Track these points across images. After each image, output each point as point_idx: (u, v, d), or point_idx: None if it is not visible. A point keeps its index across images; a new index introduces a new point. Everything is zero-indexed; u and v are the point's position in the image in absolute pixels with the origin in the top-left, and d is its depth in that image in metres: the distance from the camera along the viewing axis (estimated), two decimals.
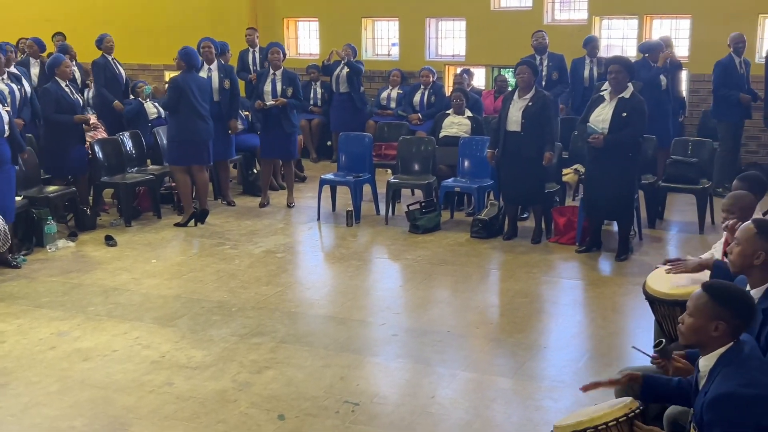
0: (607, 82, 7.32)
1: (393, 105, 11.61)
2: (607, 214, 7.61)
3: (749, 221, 3.53)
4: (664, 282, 4.10)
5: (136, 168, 9.09)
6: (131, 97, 10.16)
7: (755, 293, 3.40)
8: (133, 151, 9.16)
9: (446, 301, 6.58)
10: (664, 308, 4.01)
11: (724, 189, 8.54)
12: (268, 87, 9.13)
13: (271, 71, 9.19)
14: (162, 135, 9.30)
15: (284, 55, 9.37)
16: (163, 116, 9.78)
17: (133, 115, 9.83)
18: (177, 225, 8.56)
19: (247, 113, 10.05)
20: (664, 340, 3.35)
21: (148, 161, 9.51)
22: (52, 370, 5.22)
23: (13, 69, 8.67)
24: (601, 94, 7.30)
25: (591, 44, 10.19)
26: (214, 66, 9.15)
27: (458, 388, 4.98)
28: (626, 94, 7.10)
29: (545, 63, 9.93)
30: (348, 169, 9.09)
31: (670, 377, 3.31)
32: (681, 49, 10.93)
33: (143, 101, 10.00)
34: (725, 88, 9.58)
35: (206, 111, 8.59)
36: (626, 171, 7.22)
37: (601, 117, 7.13)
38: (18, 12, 14.07)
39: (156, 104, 10.06)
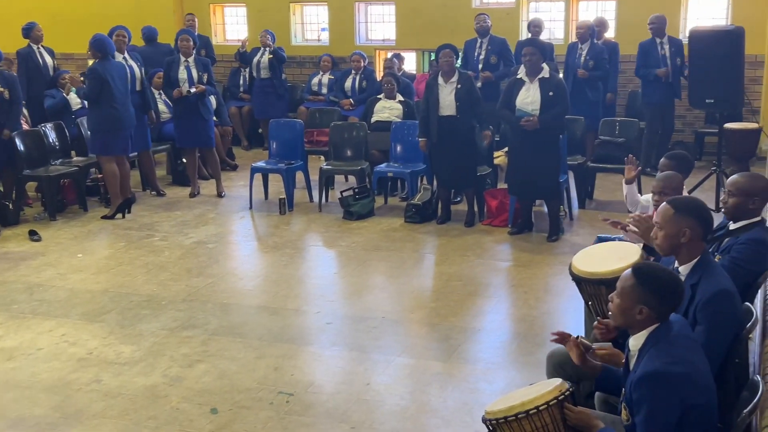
0: (522, 66, 7.37)
1: (324, 91, 11.51)
2: (537, 194, 7.68)
3: (664, 203, 3.57)
4: (589, 261, 4.13)
5: (60, 160, 8.83)
6: (57, 87, 9.84)
7: (683, 270, 3.44)
8: (57, 143, 8.90)
9: (381, 287, 6.56)
10: (590, 287, 4.04)
11: (652, 169, 8.70)
12: (183, 74, 8.95)
13: (183, 59, 9.01)
14: (86, 125, 9.05)
15: (195, 42, 9.22)
16: (86, 106, 9.49)
17: (56, 108, 9.53)
18: (104, 217, 8.36)
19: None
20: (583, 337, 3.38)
21: (73, 153, 9.25)
22: None
23: None
24: (518, 77, 7.35)
25: (536, 26, 10.10)
26: (127, 55, 8.89)
27: (393, 374, 4.97)
28: (545, 74, 7.18)
29: (485, 46, 9.93)
30: (280, 157, 8.99)
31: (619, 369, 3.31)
32: (609, 31, 11.07)
33: (66, 95, 9.69)
34: (644, 69, 9.75)
35: (127, 99, 8.40)
36: (553, 151, 7.32)
37: (528, 99, 7.19)
38: None
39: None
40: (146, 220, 8.36)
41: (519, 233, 7.60)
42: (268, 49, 11.34)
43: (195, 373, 4.96)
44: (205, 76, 9.02)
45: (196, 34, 10.85)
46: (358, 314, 5.89)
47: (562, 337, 3.37)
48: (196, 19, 11.52)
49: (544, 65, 7.25)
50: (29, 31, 9.79)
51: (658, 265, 3.23)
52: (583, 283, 4.08)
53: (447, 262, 7.00)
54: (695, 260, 3.46)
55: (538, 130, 7.14)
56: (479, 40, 9.91)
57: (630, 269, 3.07)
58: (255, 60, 11.46)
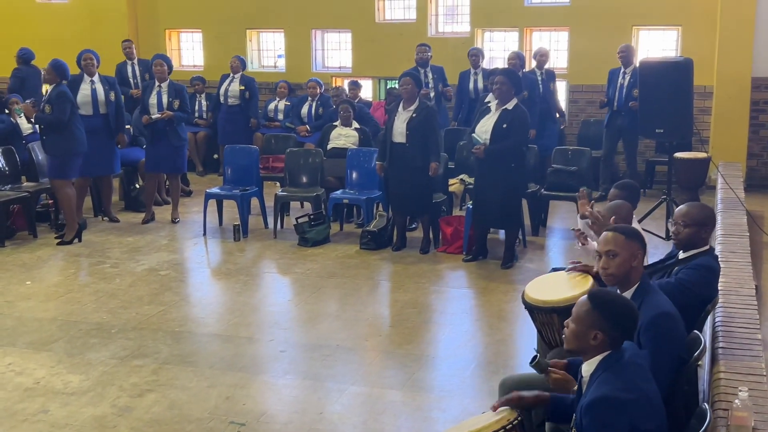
0: (491, 94, 7.45)
1: (280, 117, 11.50)
2: (495, 222, 7.74)
3: (611, 232, 3.61)
4: (542, 290, 4.16)
5: (9, 185, 8.66)
6: (6, 112, 9.68)
7: (625, 296, 3.48)
8: (6, 168, 8.73)
9: (336, 314, 6.52)
10: (543, 316, 4.06)
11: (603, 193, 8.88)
12: (153, 99, 8.90)
13: (156, 83, 8.96)
14: (38, 150, 8.91)
15: (170, 67, 9.16)
16: (37, 131, 9.33)
17: (6, 133, 9.36)
18: (62, 243, 8.21)
19: (128, 126, 9.73)
20: (537, 355, 3.38)
21: (23, 178, 9.08)
22: None
23: None
24: (488, 105, 7.43)
25: (474, 56, 10.32)
26: (96, 78, 8.80)
27: (347, 403, 4.93)
28: (509, 105, 7.24)
29: (429, 76, 10.06)
30: (235, 183, 8.93)
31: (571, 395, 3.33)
32: (560, 61, 11.28)
33: (14, 121, 9.54)
34: (609, 95, 9.98)
35: (81, 122, 8.36)
36: (511, 180, 7.36)
37: (484, 128, 7.27)
38: None
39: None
40: (97, 246, 8.22)
41: (474, 260, 7.63)
42: (238, 76, 11.29)
43: (145, 403, 4.87)
44: (177, 103, 8.94)
45: (135, 59, 10.87)
46: (312, 342, 5.85)
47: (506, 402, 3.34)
48: (134, 46, 11.44)
49: (515, 98, 7.28)
50: None
51: (612, 292, 3.27)
52: (536, 311, 4.11)
53: (402, 289, 7.00)
54: (635, 286, 3.53)
55: (489, 160, 7.20)
56: (422, 71, 10.03)
57: (586, 295, 3.10)
58: (224, 87, 11.38)
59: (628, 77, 9.86)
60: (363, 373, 5.40)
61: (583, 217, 5.50)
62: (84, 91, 8.59)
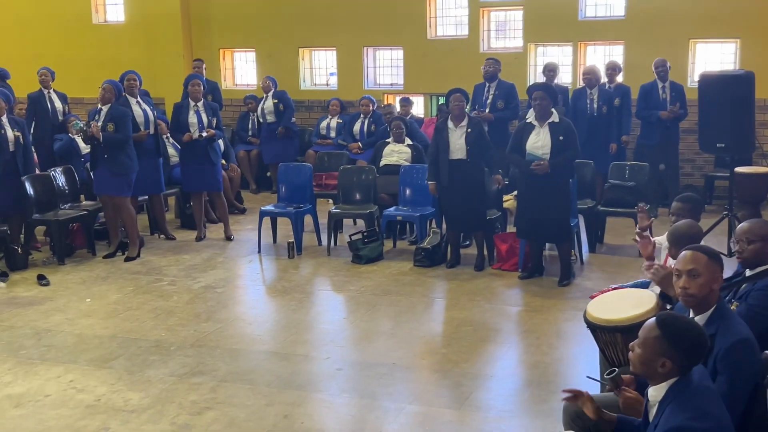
0: (531, 110, 7.40)
1: (333, 134, 11.57)
2: (547, 238, 7.65)
3: (693, 251, 3.50)
4: (604, 308, 4.09)
5: (69, 204, 8.83)
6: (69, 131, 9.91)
7: (699, 319, 3.39)
8: (66, 187, 8.90)
9: (391, 332, 6.48)
10: (605, 335, 3.99)
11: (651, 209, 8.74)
12: (193, 119, 8.99)
13: (192, 103, 9.06)
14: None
15: (204, 87, 9.32)
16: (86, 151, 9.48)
17: (64, 152, 9.57)
18: (129, 260, 8.42)
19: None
20: (617, 369, 3.31)
21: (82, 197, 9.25)
22: None
23: None
24: (528, 121, 7.37)
25: (549, 71, 10.16)
26: (140, 100, 8.89)
27: (405, 422, 4.89)
28: (555, 118, 7.20)
29: (492, 91, 9.97)
30: (288, 200, 8.98)
31: (640, 421, 3.25)
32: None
33: (72, 136, 9.74)
34: (645, 111, 9.83)
35: None
36: (563, 195, 7.31)
37: (539, 143, 7.20)
38: None
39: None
40: (154, 264, 8.33)
41: (529, 278, 7.55)
42: (270, 94, 11.44)
43: (204, 421, 4.89)
44: (214, 121, 9.07)
45: (204, 79, 10.99)
46: (368, 360, 5.83)
47: (575, 395, 3.32)
48: (204, 65, 11.64)
49: (554, 110, 7.27)
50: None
51: (683, 317, 3.16)
52: (598, 330, 4.03)
53: (457, 306, 6.94)
54: (711, 309, 3.41)
55: (548, 174, 7.14)
56: (487, 85, 9.97)
57: (654, 320, 3.01)
58: (260, 106, 11.55)
59: (668, 91, 9.73)
60: (419, 392, 5.36)
61: (642, 230, 5.37)
62: (136, 112, 8.69)
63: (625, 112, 9.93)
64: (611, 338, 3.99)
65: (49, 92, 10.11)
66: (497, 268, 7.89)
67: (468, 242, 8.54)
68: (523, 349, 6.14)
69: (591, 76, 9.84)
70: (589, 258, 8.18)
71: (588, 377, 3.81)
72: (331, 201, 9.61)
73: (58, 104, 10.17)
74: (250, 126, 12.00)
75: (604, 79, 10.14)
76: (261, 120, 11.59)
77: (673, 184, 9.88)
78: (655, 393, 2.96)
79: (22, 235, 8.62)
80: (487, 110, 9.83)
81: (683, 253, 3.52)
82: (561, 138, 7.15)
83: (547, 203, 7.25)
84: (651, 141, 9.88)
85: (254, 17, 12.75)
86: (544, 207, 7.26)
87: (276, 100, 11.44)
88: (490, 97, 9.94)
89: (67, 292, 7.46)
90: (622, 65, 10.77)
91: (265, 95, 11.58)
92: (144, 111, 8.78)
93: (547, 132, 7.18)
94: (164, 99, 12.14)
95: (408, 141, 9.29)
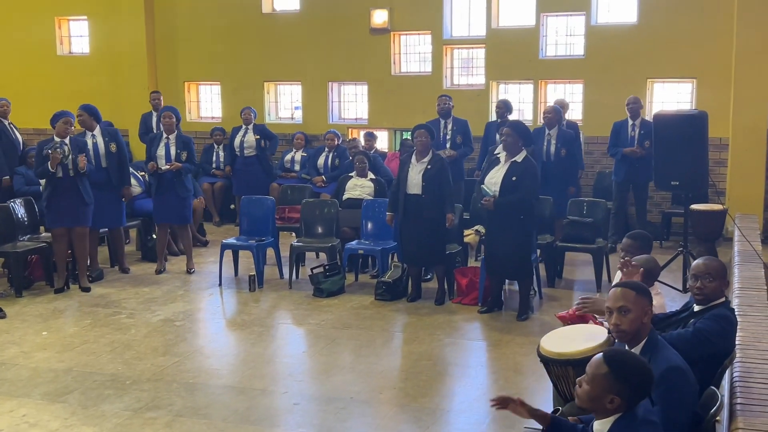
0: (500, 146, 7.51)
1: (297, 167, 11.61)
2: (507, 273, 7.72)
3: (626, 288, 3.60)
4: (557, 342, 4.14)
5: (28, 236, 8.75)
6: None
7: (634, 351, 3.46)
8: (26, 218, 8.82)
9: (350, 366, 6.48)
10: (558, 368, 4.04)
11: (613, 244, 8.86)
12: (161, 151, 8.98)
13: (165, 135, 9.06)
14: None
15: (178, 119, 9.29)
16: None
17: (26, 186, 9.49)
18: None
19: (143, 174, 9.81)
20: (560, 408, 3.36)
21: (41, 228, 9.17)
22: None
23: None
24: (497, 156, 7.48)
25: (498, 108, 10.30)
26: (96, 131, 8.73)
27: None
28: (519, 158, 7.30)
29: (449, 127, 10.10)
30: (251, 233, 8.97)
31: (575, 423, 3.31)
32: (575, 113, 11.34)
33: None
34: (614, 148, 9.99)
35: None
36: (521, 232, 7.38)
37: (493, 180, 7.31)
38: None
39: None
40: (113, 297, 8.26)
41: (489, 312, 7.61)
42: (251, 126, 11.47)
43: None
44: (185, 154, 9.03)
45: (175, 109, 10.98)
46: (327, 395, 5.82)
47: (503, 402, 3.37)
48: (161, 97, 11.65)
49: (523, 148, 7.33)
50: None
51: (629, 353, 3.23)
52: (551, 363, 4.08)
53: (417, 340, 6.96)
54: (644, 341, 3.51)
55: (501, 213, 7.23)
56: (443, 121, 10.11)
57: (602, 356, 3.06)
58: (238, 138, 11.53)
59: (638, 129, 9.90)
60: (377, 427, 5.35)
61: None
62: (89, 145, 8.60)
63: (576, 151, 9.92)
64: (563, 372, 4.04)
65: (8, 123, 10.04)
66: (457, 302, 7.94)
67: (429, 276, 8.60)
68: (480, 384, 6.17)
69: (551, 115, 9.67)
70: (548, 292, 8.26)
71: (526, 428, 3.85)
72: (293, 234, 9.62)
73: (18, 136, 10.10)
74: (214, 158, 12.00)
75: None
76: (238, 152, 11.54)
77: (638, 220, 10.03)
78: (600, 427, 3.01)
79: None
80: (448, 146, 9.94)
81: (612, 290, 3.64)
82: (514, 179, 7.23)
83: (508, 241, 7.33)
84: (618, 177, 10.05)
85: (220, 50, 12.82)
86: (505, 245, 7.35)
87: (258, 136, 11.46)
88: (449, 132, 10.07)
89: (24, 325, 7.37)
90: (581, 102, 10.94)
91: (245, 127, 11.57)
92: (95, 145, 8.69)
93: (504, 170, 7.28)
94: (128, 130, 12.11)
95: (371, 175, 9.36)
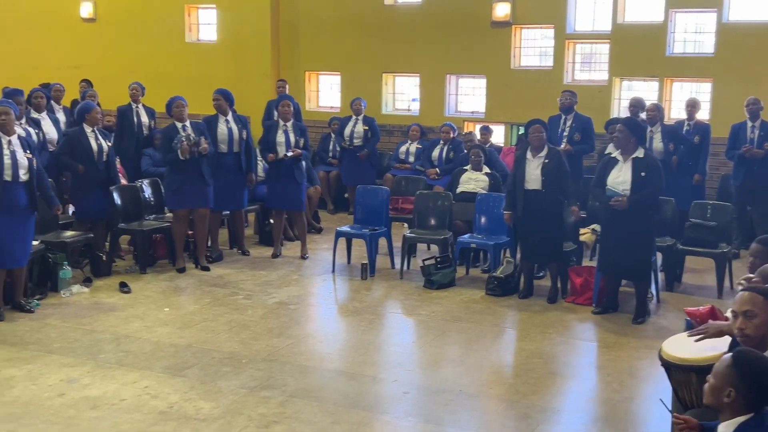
0: (611, 144, 7.34)
1: (411, 159, 11.66)
2: (625, 275, 7.54)
3: (751, 292, 3.46)
4: (680, 347, 4.03)
5: (153, 215, 9.12)
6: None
7: None
8: (152, 199, 9.19)
9: (459, 359, 6.48)
10: (680, 374, 3.93)
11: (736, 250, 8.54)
12: (281, 138, 9.18)
13: (282, 123, 9.26)
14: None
15: (295, 108, 9.51)
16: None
17: (153, 168, 9.89)
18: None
19: (260, 161, 10.04)
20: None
21: (166, 209, 9.52)
22: (59, 418, 5.17)
23: (34, 114, 8.88)
24: (612, 156, 7.29)
25: (632, 107, 9.96)
26: (230, 117, 9.07)
27: None
28: (639, 153, 7.11)
29: (569, 123, 9.90)
30: (364, 222, 9.08)
31: None
32: (703, 113, 10.93)
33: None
34: (731, 151, 9.61)
35: None
36: (644, 232, 7.19)
37: (620, 179, 7.12)
38: (45, 58, 14.34)
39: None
40: (231, 278, 8.52)
41: (603, 313, 7.45)
42: (360, 117, 11.61)
43: None
44: (302, 141, 9.24)
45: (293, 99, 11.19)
46: (435, 386, 5.84)
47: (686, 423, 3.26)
48: (287, 86, 11.90)
49: (640, 147, 7.16)
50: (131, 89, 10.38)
51: (759, 353, 3.13)
52: (673, 369, 3.97)
53: (528, 338, 6.90)
54: None
55: (629, 211, 7.05)
56: (563, 117, 9.91)
57: (731, 353, 3.02)
58: (348, 129, 11.70)
59: (757, 131, 9.47)
60: (485, 421, 5.34)
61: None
62: (221, 130, 8.97)
63: (703, 150, 9.73)
64: (685, 378, 3.93)
65: (137, 107, 10.47)
66: (570, 301, 7.81)
67: (542, 273, 8.49)
68: (593, 385, 6.06)
69: (654, 113, 9.61)
70: (665, 297, 8.02)
71: (660, 400, 3.76)
72: (406, 225, 9.68)
73: (145, 119, 10.52)
74: (331, 147, 12.19)
75: (678, 116, 9.92)
76: (348, 143, 11.71)
77: (762, 225, 9.60)
78: (725, 429, 2.93)
79: (107, 243, 8.95)
80: (564, 142, 9.76)
81: (740, 293, 3.52)
82: (643, 174, 7.05)
83: (628, 240, 7.14)
84: (737, 181, 9.66)
85: (341, 41, 12.99)
86: (625, 244, 7.16)
87: (366, 127, 11.62)
88: (567, 129, 9.87)
89: (147, 301, 7.69)
90: (709, 102, 10.56)
91: (355, 117, 11.74)
92: (229, 130, 9.01)
93: (629, 167, 7.10)
94: (250, 117, 12.41)
95: (486, 169, 9.31)
